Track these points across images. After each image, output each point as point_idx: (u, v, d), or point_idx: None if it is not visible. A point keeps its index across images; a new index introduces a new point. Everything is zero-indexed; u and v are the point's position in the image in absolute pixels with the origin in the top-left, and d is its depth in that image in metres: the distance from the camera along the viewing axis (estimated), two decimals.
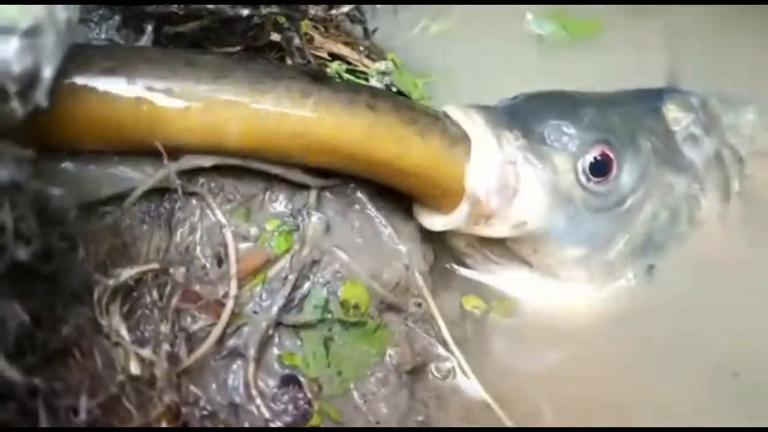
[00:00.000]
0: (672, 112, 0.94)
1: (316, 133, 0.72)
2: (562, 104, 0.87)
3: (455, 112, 0.81)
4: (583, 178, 0.83)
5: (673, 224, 0.90)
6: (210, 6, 0.76)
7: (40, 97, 0.49)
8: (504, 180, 0.79)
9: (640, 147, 0.88)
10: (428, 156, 0.77)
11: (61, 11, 0.51)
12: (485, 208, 0.79)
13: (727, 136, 0.97)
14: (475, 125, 0.80)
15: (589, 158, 0.83)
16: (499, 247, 0.87)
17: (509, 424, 0.78)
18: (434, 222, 0.83)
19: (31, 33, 0.49)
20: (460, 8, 1.13)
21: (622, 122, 0.88)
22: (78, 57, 0.67)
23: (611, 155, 0.84)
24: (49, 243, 0.54)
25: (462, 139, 0.79)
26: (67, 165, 0.72)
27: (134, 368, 0.66)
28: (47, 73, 0.49)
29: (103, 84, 0.68)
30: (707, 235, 0.92)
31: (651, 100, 0.95)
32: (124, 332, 0.68)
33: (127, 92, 0.68)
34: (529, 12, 1.12)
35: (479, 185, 0.78)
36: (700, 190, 0.93)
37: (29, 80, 0.49)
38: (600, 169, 0.84)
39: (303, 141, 0.73)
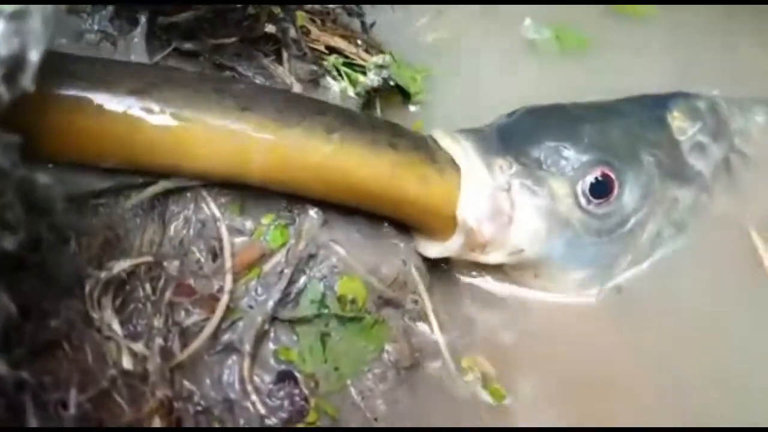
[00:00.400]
0: (677, 120, 0.89)
1: (340, 169, 0.72)
2: (558, 123, 0.84)
3: (443, 139, 0.79)
4: (582, 201, 0.81)
5: (677, 237, 0.88)
6: None
7: (26, 81, 0.48)
8: (497, 208, 0.78)
9: (642, 163, 0.85)
10: (445, 192, 0.77)
11: None
12: (479, 238, 0.78)
13: (735, 141, 0.93)
14: (464, 154, 0.78)
15: (589, 180, 0.80)
16: (498, 272, 0.86)
17: (508, 420, 0.77)
18: (430, 250, 0.82)
19: (17, 16, 0.48)
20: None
21: (623, 137, 0.85)
22: (105, 75, 0.68)
23: (612, 175, 0.81)
24: (36, 232, 0.52)
25: (454, 166, 0.78)
26: None
27: (126, 362, 0.65)
28: (33, 56, 0.48)
29: (130, 106, 0.67)
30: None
31: (654, 108, 0.90)
32: (116, 326, 0.66)
33: (154, 116, 0.68)
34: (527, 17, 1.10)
35: (470, 215, 0.77)
36: (707, 199, 0.89)
37: (15, 64, 0.48)
38: (600, 190, 0.81)
39: (325, 176, 0.73)
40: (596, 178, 0.81)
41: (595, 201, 0.81)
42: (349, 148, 0.72)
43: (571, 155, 0.81)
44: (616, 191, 0.82)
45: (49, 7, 0.49)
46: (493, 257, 0.81)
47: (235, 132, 0.69)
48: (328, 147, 0.71)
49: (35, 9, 0.49)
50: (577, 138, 0.82)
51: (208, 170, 0.72)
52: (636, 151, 0.85)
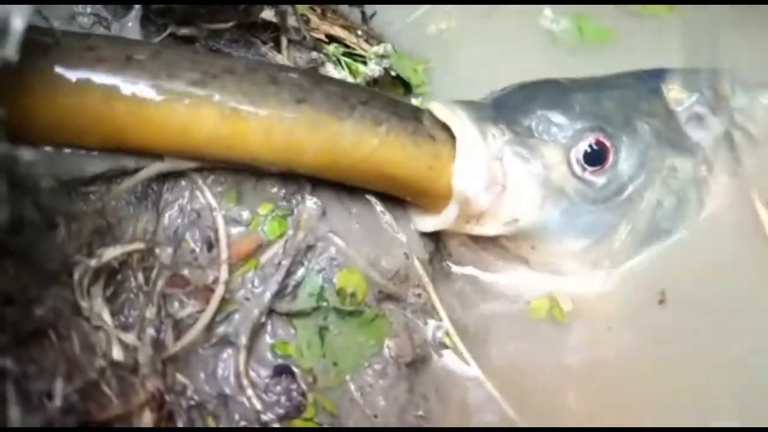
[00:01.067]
0: (673, 92, 0.89)
1: (384, 161, 0.74)
2: (550, 93, 0.83)
3: (439, 109, 0.79)
4: (577, 169, 0.80)
5: (680, 209, 0.86)
6: None
7: (10, 51, 0.46)
8: (492, 177, 0.77)
9: (637, 131, 0.84)
10: (449, 166, 0.76)
11: None
12: (475, 207, 0.77)
13: (737, 119, 0.91)
14: (459, 122, 0.77)
15: (583, 147, 0.80)
16: (495, 246, 0.84)
17: (514, 417, 0.74)
18: (425, 223, 0.81)
19: None
20: None
21: (617, 106, 0.84)
22: (166, 61, 0.68)
23: (606, 142, 0.81)
24: (20, 211, 0.50)
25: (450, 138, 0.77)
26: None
27: (116, 353, 0.63)
28: (17, 24, 0.45)
29: (192, 95, 0.67)
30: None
31: (649, 80, 0.90)
32: (106, 316, 0.64)
33: (214, 107, 0.68)
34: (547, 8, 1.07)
35: (467, 184, 0.76)
36: (708, 172, 0.88)
37: None
38: (595, 157, 0.80)
39: (369, 165, 0.73)
40: (590, 146, 0.80)
41: (590, 169, 0.81)
42: (394, 139, 0.73)
43: (563, 122, 0.80)
44: (611, 159, 0.81)
45: None
46: (488, 228, 0.80)
47: (291, 124, 0.70)
48: (375, 140, 0.72)
49: None
50: (568, 106, 0.82)
51: (259, 160, 0.72)
52: (630, 120, 0.85)
